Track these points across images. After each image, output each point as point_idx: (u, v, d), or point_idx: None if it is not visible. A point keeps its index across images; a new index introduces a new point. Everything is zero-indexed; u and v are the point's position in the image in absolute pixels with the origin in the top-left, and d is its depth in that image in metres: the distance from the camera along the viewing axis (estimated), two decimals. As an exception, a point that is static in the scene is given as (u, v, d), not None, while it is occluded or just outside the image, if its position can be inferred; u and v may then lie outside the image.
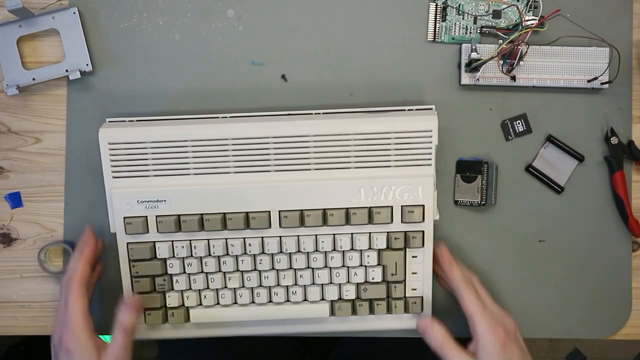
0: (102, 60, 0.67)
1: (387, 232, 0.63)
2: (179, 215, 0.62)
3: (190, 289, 0.64)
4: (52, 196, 0.67)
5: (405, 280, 0.64)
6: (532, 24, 0.64)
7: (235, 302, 0.65)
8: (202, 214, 0.62)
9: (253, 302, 0.64)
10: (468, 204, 0.67)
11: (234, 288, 0.64)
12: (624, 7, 0.68)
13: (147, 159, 0.62)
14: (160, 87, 0.67)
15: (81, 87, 0.67)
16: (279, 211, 0.62)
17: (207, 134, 0.61)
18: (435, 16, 0.67)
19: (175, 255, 0.63)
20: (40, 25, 0.65)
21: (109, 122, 0.64)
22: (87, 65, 0.66)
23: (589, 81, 0.66)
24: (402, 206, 0.62)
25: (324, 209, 0.62)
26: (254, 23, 0.67)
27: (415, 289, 0.65)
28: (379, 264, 0.64)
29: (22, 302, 0.68)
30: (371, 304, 0.65)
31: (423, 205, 0.62)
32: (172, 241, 0.63)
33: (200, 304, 0.65)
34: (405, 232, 0.63)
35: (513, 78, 0.66)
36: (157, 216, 0.62)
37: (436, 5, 0.67)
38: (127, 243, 0.63)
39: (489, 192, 0.67)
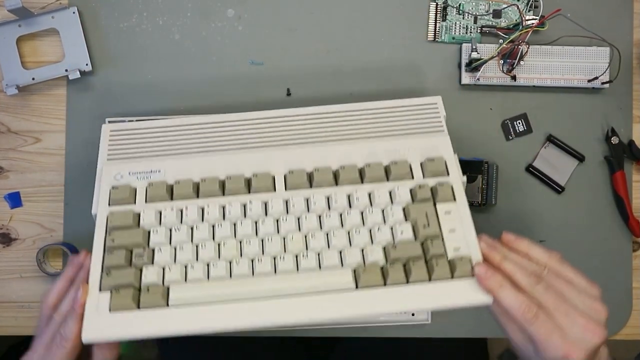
0: (102, 60, 0.67)
1: (410, 189, 0.55)
2: (172, 185, 0.56)
3: (175, 261, 0.52)
4: (51, 196, 0.67)
5: (442, 236, 0.52)
6: (533, 24, 0.64)
7: (230, 276, 0.51)
8: (198, 182, 0.56)
9: (252, 274, 0.51)
10: (468, 204, 0.67)
11: (229, 261, 0.52)
12: (624, 6, 0.68)
13: (146, 142, 0.59)
14: (160, 86, 0.67)
15: (81, 87, 0.67)
16: (285, 173, 0.56)
17: (211, 118, 0.60)
18: (436, 16, 0.67)
19: (162, 221, 0.54)
20: (40, 25, 0.65)
21: (109, 122, 0.63)
22: (86, 65, 0.66)
23: (589, 81, 0.66)
24: (420, 163, 0.56)
25: (336, 170, 0.56)
26: (254, 23, 0.67)
27: (458, 248, 0.51)
28: (406, 220, 0.53)
29: (21, 302, 0.67)
30: (406, 266, 0.51)
31: (445, 161, 0.56)
32: (161, 211, 0.54)
33: (185, 280, 0.51)
34: (431, 187, 0.55)
35: (513, 78, 0.66)
36: (148, 183, 0.56)
37: (436, 4, 0.67)
38: (108, 214, 0.55)
39: (489, 192, 0.67)
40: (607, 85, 0.66)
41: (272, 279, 0.51)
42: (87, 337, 0.49)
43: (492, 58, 0.64)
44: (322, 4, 0.67)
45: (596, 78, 0.65)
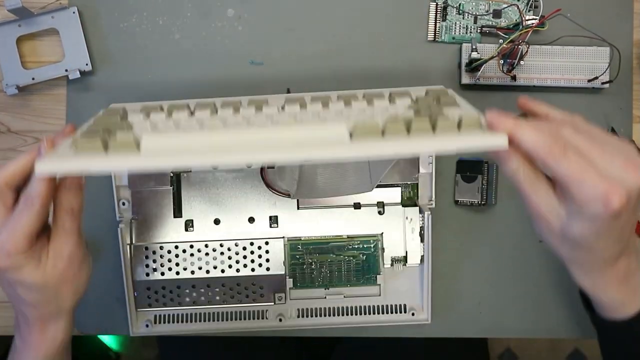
0: (102, 60, 0.67)
1: (412, 101, 0.52)
2: (166, 111, 0.54)
3: (157, 130, 0.48)
4: (51, 196, 0.67)
5: (446, 114, 0.47)
6: (533, 24, 0.64)
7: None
8: (193, 109, 0.54)
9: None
10: (468, 204, 0.67)
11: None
12: (625, 6, 0.68)
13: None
14: (160, 87, 0.67)
15: (81, 87, 0.67)
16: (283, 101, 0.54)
17: (216, 99, 0.59)
18: (436, 16, 0.67)
19: (150, 117, 0.52)
20: (40, 25, 0.65)
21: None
22: (86, 65, 0.66)
23: (589, 81, 0.66)
24: (423, 95, 0.54)
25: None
26: (254, 23, 0.67)
27: (465, 115, 0.45)
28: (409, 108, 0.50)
29: (21, 302, 0.67)
30: (407, 124, 0.44)
31: (447, 91, 0.54)
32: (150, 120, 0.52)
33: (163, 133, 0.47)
34: (435, 100, 0.52)
35: (513, 78, 0.66)
36: (142, 106, 0.54)
37: (436, 4, 0.67)
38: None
39: (489, 192, 0.67)
40: (607, 85, 0.66)
41: (257, 130, 0.46)
42: (43, 168, 0.41)
43: (492, 58, 0.64)
44: (322, 4, 0.67)
45: (596, 78, 0.65)
